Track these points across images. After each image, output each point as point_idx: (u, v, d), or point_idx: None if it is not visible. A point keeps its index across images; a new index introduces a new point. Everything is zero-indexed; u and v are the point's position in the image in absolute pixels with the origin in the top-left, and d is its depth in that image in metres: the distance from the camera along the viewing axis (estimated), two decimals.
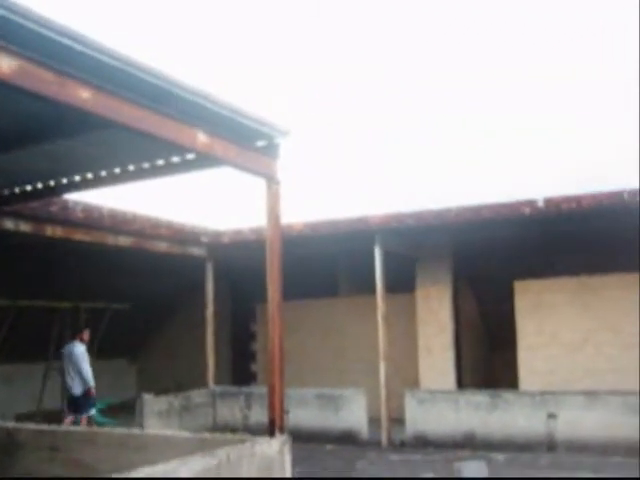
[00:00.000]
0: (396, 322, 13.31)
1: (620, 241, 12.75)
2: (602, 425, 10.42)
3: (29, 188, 8.07)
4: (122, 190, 8.09)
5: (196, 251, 13.47)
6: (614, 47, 38.64)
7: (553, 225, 11.90)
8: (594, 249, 12.91)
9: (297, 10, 44.61)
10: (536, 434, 10.75)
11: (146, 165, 7.24)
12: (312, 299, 15.45)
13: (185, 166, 7.18)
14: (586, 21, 38.83)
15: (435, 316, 13.72)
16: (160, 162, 7.17)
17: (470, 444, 11.00)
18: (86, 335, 11.70)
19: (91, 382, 11.27)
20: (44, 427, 7.79)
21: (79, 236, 10.89)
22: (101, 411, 13.23)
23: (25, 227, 10.05)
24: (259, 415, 12.02)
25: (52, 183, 7.88)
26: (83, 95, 4.72)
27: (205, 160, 6.88)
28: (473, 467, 8.95)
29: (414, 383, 13.31)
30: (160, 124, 5.38)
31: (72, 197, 10.19)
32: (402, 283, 13.81)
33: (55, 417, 11.99)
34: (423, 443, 11.33)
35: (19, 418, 12.60)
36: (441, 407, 11.46)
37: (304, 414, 12.23)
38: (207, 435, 7.22)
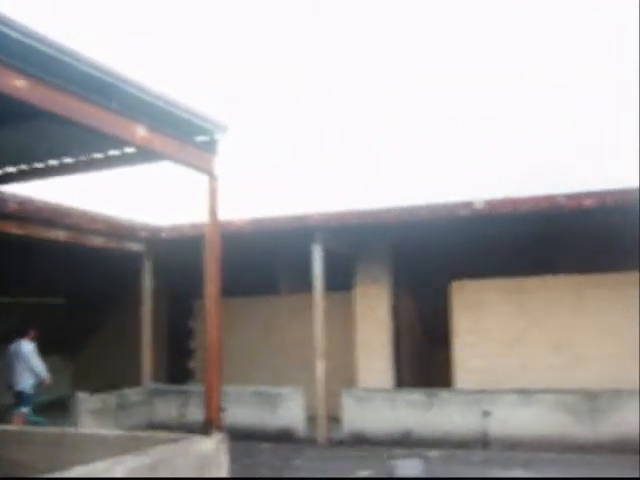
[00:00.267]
0: (335, 320, 13.36)
1: (555, 243, 13.10)
2: (534, 422, 10.67)
3: None
4: (59, 183, 7.92)
5: (134, 246, 13.26)
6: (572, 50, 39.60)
7: (491, 227, 12.13)
8: (530, 251, 13.21)
9: (263, 8, 44.33)
10: (471, 431, 10.94)
11: (83, 158, 7.11)
12: (252, 296, 15.38)
13: (124, 160, 7.08)
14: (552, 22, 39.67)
15: (373, 315, 13.82)
16: (98, 155, 7.05)
17: (406, 442, 11.12)
18: (33, 333, 11.76)
19: (44, 374, 11.54)
20: None
21: (13, 229, 10.61)
22: (34, 410, 12.92)
23: None
24: (196, 413, 11.89)
25: None
26: (17, 83, 4.60)
27: (145, 154, 6.80)
28: (408, 464, 9.05)
29: (352, 381, 13.38)
30: (98, 116, 5.29)
31: (6, 189, 9.91)
32: (342, 282, 13.86)
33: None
34: (360, 441, 11.41)
35: None
36: (378, 405, 11.56)
37: (241, 412, 12.18)
38: (142, 434, 7.13)
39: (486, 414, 10.90)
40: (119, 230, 12.71)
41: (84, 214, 11.88)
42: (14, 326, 11.70)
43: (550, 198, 10.72)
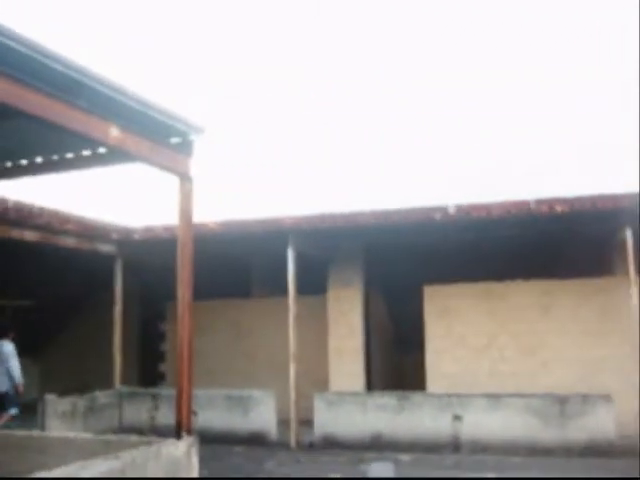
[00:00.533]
0: (307, 324, 13.34)
1: (528, 249, 13.22)
2: (504, 426, 10.75)
3: None
4: (30, 183, 7.82)
5: (106, 248, 13.13)
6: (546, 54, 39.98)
7: (464, 231, 12.21)
8: (503, 255, 13.31)
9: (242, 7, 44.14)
10: (442, 435, 10.98)
11: (55, 157, 7.03)
12: (224, 299, 15.32)
13: (96, 160, 7.01)
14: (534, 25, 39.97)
15: (346, 319, 13.84)
16: (70, 155, 6.97)
17: (378, 445, 11.13)
18: (13, 334, 11.71)
19: (19, 379, 11.33)
20: None
21: None
22: None
23: None
24: (167, 417, 11.81)
25: None
26: None
27: (117, 155, 6.74)
28: (379, 468, 9.08)
29: (324, 385, 13.38)
30: (69, 115, 5.23)
31: None
32: (314, 285, 13.86)
33: None
34: (331, 444, 11.40)
35: None
36: (349, 409, 11.56)
37: (213, 415, 12.11)
38: (112, 437, 7.06)
39: (457, 418, 10.95)
40: (91, 231, 12.58)
41: (55, 214, 11.73)
42: (6, 330, 11.63)
43: (521, 203, 10.81)
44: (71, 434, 7.88)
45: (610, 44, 39.21)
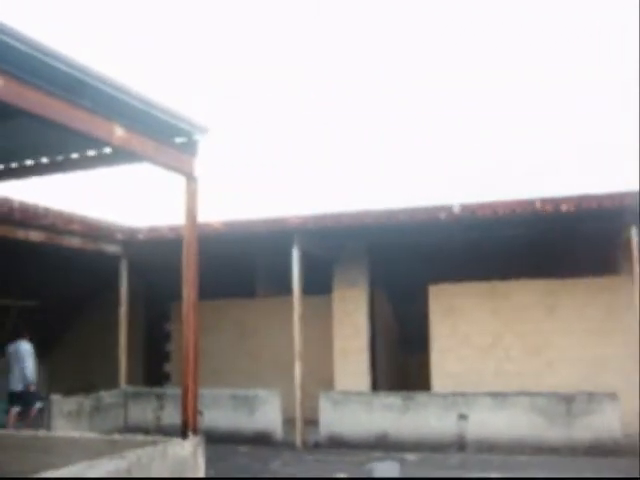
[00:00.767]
0: (312, 324, 13.34)
1: (533, 248, 13.19)
2: (510, 425, 10.73)
3: None
4: (35, 183, 7.83)
5: (111, 248, 13.15)
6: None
7: (469, 231, 12.19)
8: (507, 255, 13.29)
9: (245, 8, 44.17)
10: (447, 435, 10.97)
11: (60, 158, 7.03)
12: (229, 299, 15.33)
13: (101, 160, 7.02)
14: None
15: (351, 318, 13.83)
16: (75, 155, 6.98)
17: (383, 445, 11.13)
18: (29, 334, 11.95)
19: (32, 379, 11.52)
20: None
21: None
22: (6, 412, 12.76)
23: None
24: (172, 416, 11.81)
25: None
26: None
27: (122, 155, 6.74)
28: (385, 467, 9.06)
29: (329, 385, 13.37)
30: (73, 114, 5.23)
31: None
32: (319, 285, 13.86)
33: None
34: (337, 444, 11.40)
35: None
36: (355, 409, 11.56)
37: (218, 415, 12.12)
38: (118, 437, 7.06)
39: (462, 417, 10.94)
40: (96, 231, 12.60)
41: (60, 215, 11.75)
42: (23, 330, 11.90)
43: (527, 203, 10.80)
44: (77, 434, 7.88)
45: (610, 44, 39.15)
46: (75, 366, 16.75)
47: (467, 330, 12.90)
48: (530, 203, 10.76)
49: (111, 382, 13.39)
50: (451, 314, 13.02)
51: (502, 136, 38.82)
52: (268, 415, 12.00)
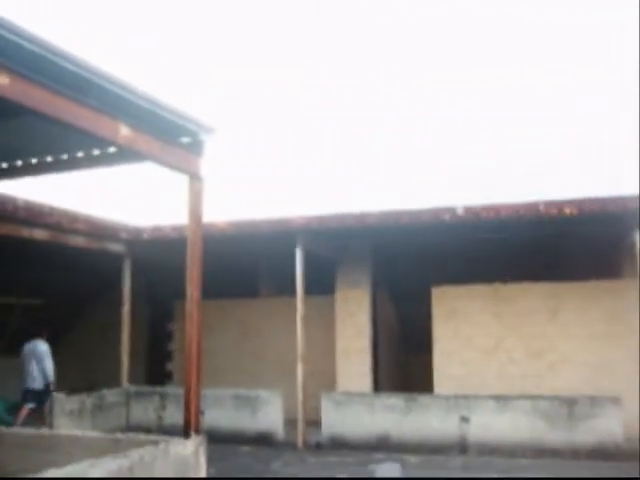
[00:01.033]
0: (315, 324, 13.35)
1: (537, 250, 13.18)
2: (512, 428, 10.72)
3: None
4: (40, 182, 7.85)
5: (115, 247, 13.16)
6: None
7: (473, 232, 12.18)
8: (510, 257, 13.28)
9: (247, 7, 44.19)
10: (449, 437, 10.96)
11: (65, 156, 7.05)
12: (232, 299, 15.34)
13: (106, 159, 7.03)
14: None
15: (353, 319, 13.84)
16: (80, 154, 6.99)
17: (385, 446, 11.12)
18: (46, 333, 12.05)
19: (52, 378, 11.62)
20: None
21: None
22: (8, 410, 12.79)
23: None
24: (174, 416, 11.83)
25: None
26: (1, 80, 4.55)
27: (127, 154, 6.76)
28: (387, 469, 9.07)
29: (331, 385, 13.38)
30: (79, 113, 5.24)
31: None
32: (322, 286, 13.87)
33: None
34: (339, 445, 11.40)
35: None
36: (357, 409, 11.56)
37: (220, 415, 12.13)
38: (120, 435, 7.07)
39: (464, 420, 10.93)
40: (100, 230, 12.61)
41: (65, 213, 11.77)
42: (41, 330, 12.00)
43: (531, 205, 10.79)
44: (79, 432, 7.89)
45: (610, 44, 39.10)
46: (77, 364, 16.76)
47: (470, 333, 12.89)
48: (534, 206, 10.75)
49: (113, 381, 13.41)
50: (454, 316, 13.02)
51: (502, 136, 38.79)
52: (270, 415, 12.01)
